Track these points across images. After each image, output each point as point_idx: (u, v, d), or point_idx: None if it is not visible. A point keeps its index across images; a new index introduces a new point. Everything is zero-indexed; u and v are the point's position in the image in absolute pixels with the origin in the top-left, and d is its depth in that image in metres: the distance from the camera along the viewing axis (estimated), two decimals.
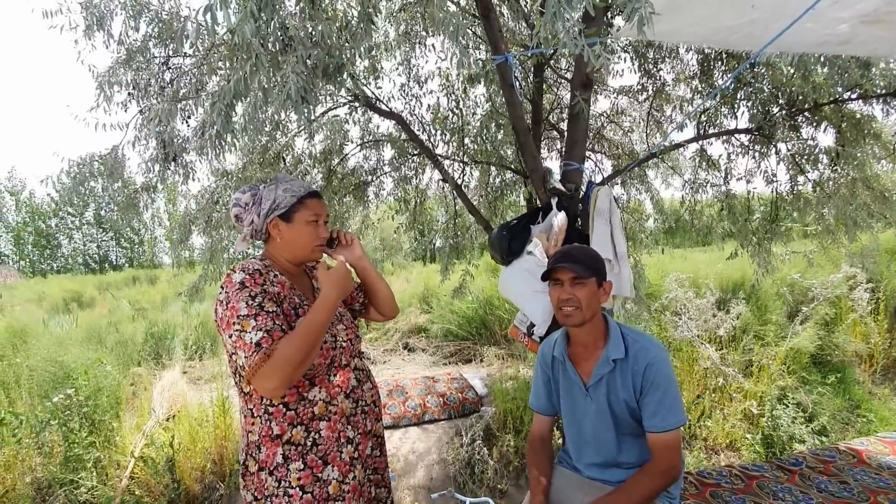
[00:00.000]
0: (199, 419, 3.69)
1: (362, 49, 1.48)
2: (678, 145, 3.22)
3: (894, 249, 6.47)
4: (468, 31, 1.34)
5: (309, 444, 1.28)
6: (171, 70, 2.92)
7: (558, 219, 2.16)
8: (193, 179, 3.04)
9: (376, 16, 1.51)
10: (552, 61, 3.38)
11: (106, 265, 32.10)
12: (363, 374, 1.45)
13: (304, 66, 1.41)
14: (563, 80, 4.17)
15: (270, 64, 1.45)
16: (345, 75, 1.50)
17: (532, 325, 2.77)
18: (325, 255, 1.51)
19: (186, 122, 2.65)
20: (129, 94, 2.75)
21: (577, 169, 2.40)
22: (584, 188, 2.38)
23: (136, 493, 3.11)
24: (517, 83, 2.20)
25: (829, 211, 3.27)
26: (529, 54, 2.57)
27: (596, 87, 4.17)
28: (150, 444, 3.38)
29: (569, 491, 1.45)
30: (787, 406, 4.82)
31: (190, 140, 2.77)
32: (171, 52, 2.92)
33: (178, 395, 4.26)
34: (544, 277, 1.45)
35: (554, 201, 2.26)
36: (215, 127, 1.46)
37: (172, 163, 2.85)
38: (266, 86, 1.49)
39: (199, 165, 3.09)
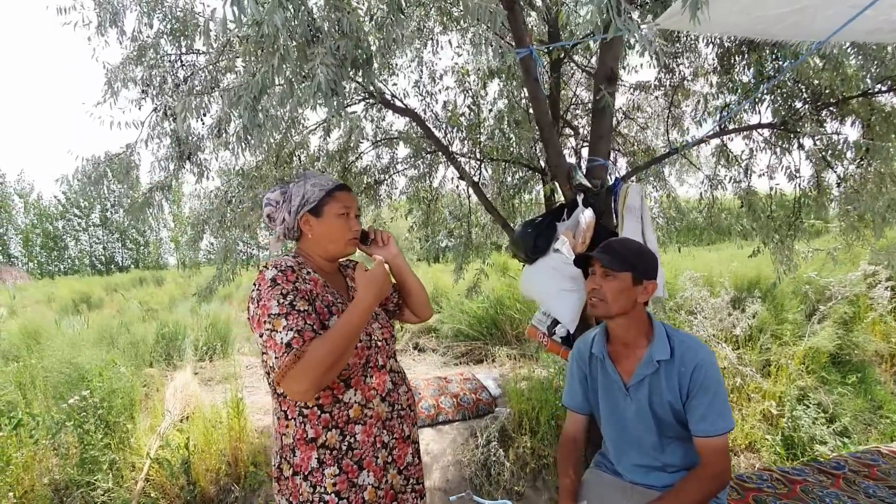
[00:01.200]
0: (212, 420, 3.66)
1: (392, 40, 1.42)
2: (700, 141, 3.15)
3: None
4: (498, 19, 1.29)
5: (344, 448, 1.24)
6: (185, 67, 2.88)
7: (585, 216, 2.10)
8: (207, 178, 3.01)
9: (406, 6, 1.46)
10: (568, 57, 3.31)
11: (112, 266, 32.27)
12: (399, 376, 1.41)
13: (332, 57, 1.36)
14: (575, 77, 4.11)
15: (298, 56, 1.40)
16: (374, 67, 1.45)
17: (553, 325, 2.71)
18: (361, 252, 1.47)
19: (201, 119, 2.61)
20: (142, 90, 2.72)
21: (602, 165, 2.34)
22: (611, 183, 2.32)
23: (152, 495, 3.08)
24: (541, 78, 2.14)
25: (855, 207, 3.19)
26: (551, 48, 2.51)
27: None
28: (164, 445, 3.35)
29: (610, 496, 1.40)
30: (808, 406, 4.73)
31: (205, 138, 2.74)
32: (184, 49, 2.89)
33: (190, 397, 4.23)
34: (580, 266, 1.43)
35: (580, 198, 2.20)
36: (242, 122, 1.41)
37: (187, 161, 2.82)
38: (293, 79, 1.44)
39: (212, 164, 3.07)
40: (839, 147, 3.13)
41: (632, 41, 1.14)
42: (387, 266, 1.41)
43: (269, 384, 1.28)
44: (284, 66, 1.39)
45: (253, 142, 1.49)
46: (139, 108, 2.72)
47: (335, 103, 1.36)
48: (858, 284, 6.10)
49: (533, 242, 2.17)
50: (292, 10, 1.37)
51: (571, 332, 2.17)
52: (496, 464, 3.88)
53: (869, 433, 4.82)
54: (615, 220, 2.43)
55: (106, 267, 32.25)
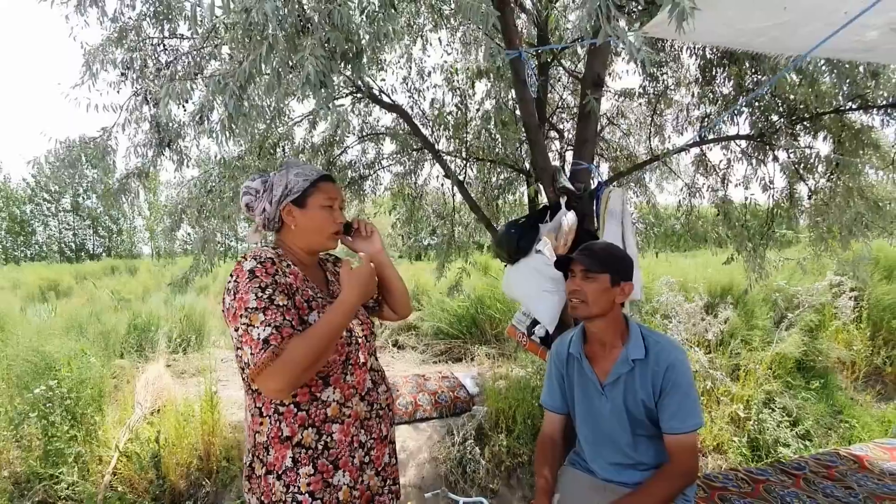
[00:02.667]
0: (185, 414, 3.59)
1: (383, 34, 1.42)
2: (680, 149, 3.23)
3: (877, 259, 6.62)
4: (490, 19, 1.30)
5: (320, 447, 1.21)
6: (167, 51, 2.82)
7: (568, 218, 2.13)
8: (187, 166, 2.95)
9: (398, 1, 1.46)
10: (561, 59, 3.35)
11: (82, 254, 31.25)
12: (378, 375, 1.39)
13: (322, 49, 1.35)
14: (561, 81, 4.16)
15: (287, 46, 1.39)
16: (364, 60, 1.44)
17: (533, 326, 2.74)
18: (344, 247, 1.45)
19: (183, 106, 2.56)
20: (121, 73, 2.64)
21: (585, 169, 2.38)
22: (592, 188, 2.36)
23: (119, 489, 3.01)
24: (530, 80, 2.16)
25: (824, 219, 3.31)
26: (539, 51, 2.54)
27: None
28: (134, 438, 3.28)
29: (584, 493, 1.43)
30: (774, 410, 4.90)
31: (186, 125, 2.69)
32: (167, 34, 2.82)
33: (162, 389, 4.14)
34: (561, 269, 1.46)
35: (563, 200, 2.23)
36: (227, 109, 1.39)
37: (167, 148, 2.75)
38: (280, 69, 1.43)
39: (193, 152, 3.01)
40: (811, 161, 3.25)
41: (619, 48, 1.16)
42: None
43: (244, 380, 1.24)
44: (273, 55, 1.37)
45: (237, 130, 1.46)
46: (118, 92, 2.65)
47: (324, 96, 1.34)
48: (824, 294, 6.34)
49: (516, 243, 2.20)
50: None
51: (551, 332, 2.20)
52: (472, 462, 3.91)
53: (829, 437, 5.01)
54: (596, 224, 2.47)
55: (76, 254, 31.21)
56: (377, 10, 1.46)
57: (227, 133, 1.46)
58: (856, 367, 5.83)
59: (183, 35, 2.84)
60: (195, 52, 2.57)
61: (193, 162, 3.07)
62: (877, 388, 5.73)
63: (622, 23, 1.08)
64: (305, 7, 1.44)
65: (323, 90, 1.33)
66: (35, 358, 3.28)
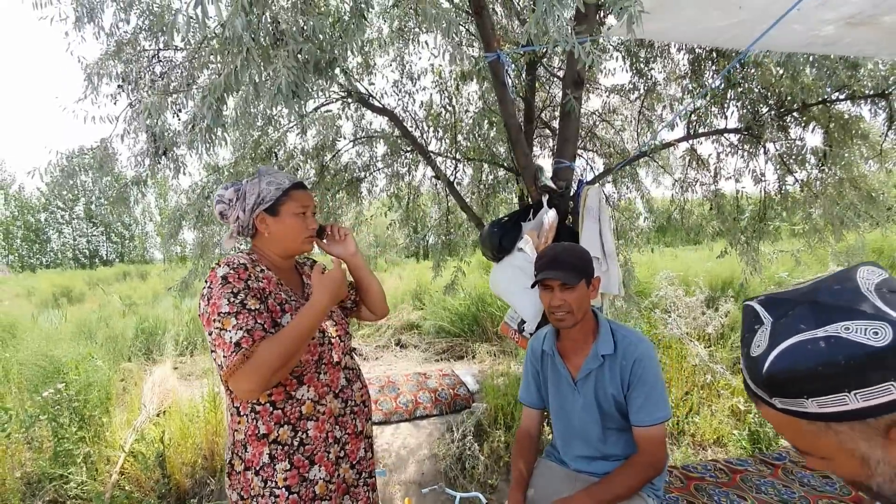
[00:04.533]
0: (189, 415, 3.69)
1: (354, 45, 1.47)
2: (668, 144, 3.25)
3: (881, 249, 6.56)
4: (461, 27, 1.35)
5: (296, 443, 1.26)
6: (161, 63, 2.90)
7: (549, 216, 2.17)
8: (184, 174, 3.03)
9: (368, 11, 1.51)
10: (544, 59, 3.39)
11: (96, 260, 31.78)
12: (353, 373, 1.44)
13: (294, 60, 1.41)
14: (555, 78, 4.19)
15: (261, 58, 1.45)
16: (336, 70, 1.50)
17: (523, 322, 2.79)
18: (321, 253, 1.50)
19: (177, 115, 2.64)
20: (118, 86, 2.73)
21: (567, 167, 2.42)
22: (574, 186, 2.39)
23: (126, 488, 3.10)
24: (509, 81, 2.20)
25: (816, 210, 3.31)
26: (522, 52, 2.58)
27: (588, 85, 4.19)
28: (140, 439, 3.37)
29: (556, 483, 1.47)
30: None
31: (181, 134, 2.77)
32: (161, 45, 2.90)
33: (168, 391, 4.25)
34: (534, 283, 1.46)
35: (545, 199, 2.28)
36: (205, 121, 1.45)
37: (163, 157, 2.84)
38: (257, 80, 1.49)
39: (189, 160, 3.09)
40: (802, 152, 3.25)
41: (579, 54, 1.21)
42: (344, 265, 1.44)
43: (221, 381, 1.30)
44: (248, 67, 1.43)
45: (217, 139, 1.53)
46: (114, 104, 2.73)
47: (296, 105, 1.40)
48: None
49: (498, 242, 2.24)
50: (256, 14, 1.42)
51: (532, 328, 2.25)
52: (470, 457, 3.96)
53: None
54: (571, 220, 2.51)
55: (89, 260, 31.76)
56: (348, 21, 1.51)
57: (207, 141, 1.53)
58: None
59: (177, 46, 2.93)
60: (188, 63, 2.65)
61: (192, 169, 3.15)
62: None
63: (569, 28, 1.13)
64: (280, 21, 1.50)
65: (295, 99, 1.39)
66: (44, 362, 3.39)
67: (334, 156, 3.46)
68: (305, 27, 1.48)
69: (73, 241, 32.71)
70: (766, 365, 0.56)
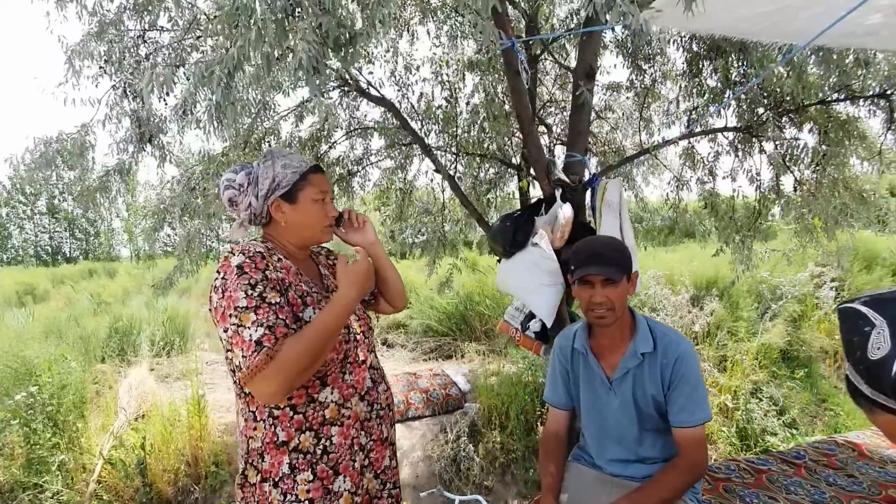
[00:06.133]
0: (171, 419, 3.49)
1: (378, 20, 1.37)
2: (670, 141, 3.23)
3: (872, 250, 6.80)
4: (491, 5, 1.26)
5: (319, 451, 1.15)
6: (147, 44, 2.72)
7: (564, 211, 2.10)
8: (170, 162, 2.86)
9: None
10: (547, 53, 3.33)
11: (59, 257, 30.41)
12: (378, 373, 1.33)
13: (315, 34, 1.29)
14: (549, 75, 4.14)
15: (277, 31, 1.33)
16: (357, 47, 1.39)
17: (528, 320, 2.72)
18: (339, 241, 1.39)
19: (164, 99, 2.46)
20: (100, 67, 2.54)
21: (580, 161, 2.36)
22: (586, 180, 2.34)
23: (105, 497, 2.91)
24: (523, 72, 2.12)
25: (810, 210, 3.34)
26: (536, 40, 2.51)
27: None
28: (118, 445, 3.17)
29: (590, 489, 1.40)
30: (761, 400, 4.97)
31: (168, 120, 2.60)
32: (147, 26, 2.72)
33: (146, 394, 4.02)
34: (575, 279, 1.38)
35: (558, 193, 2.21)
36: (215, 98, 1.32)
37: (148, 143, 2.66)
38: (270, 56, 1.37)
39: (175, 148, 2.91)
40: (798, 152, 3.28)
41: (617, 34, 1.13)
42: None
43: (235, 383, 1.17)
44: (262, 40, 1.31)
45: (227, 121, 1.39)
46: (96, 86, 2.54)
47: (318, 82, 1.29)
48: (806, 284, 6.47)
49: (512, 236, 2.16)
50: None
51: (549, 325, 2.18)
52: (466, 459, 3.88)
53: (815, 425, 5.11)
54: (587, 216, 2.45)
55: (52, 257, 30.35)
56: None
57: (215, 123, 1.39)
58: (838, 356, 5.95)
59: (163, 27, 2.75)
60: (177, 44, 2.48)
61: (175, 159, 2.97)
62: None
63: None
64: None
65: (317, 77, 1.28)
66: (15, 363, 3.15)
67: (331, 146, 3.32)
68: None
69: (34, 237, 31.20)
70: None
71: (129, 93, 2.48)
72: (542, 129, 4.32)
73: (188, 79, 2.15)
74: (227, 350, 1.09)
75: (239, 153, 2.89)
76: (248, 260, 1.12)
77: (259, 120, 2.87)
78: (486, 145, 3.39)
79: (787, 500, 1.54)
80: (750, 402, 4.96)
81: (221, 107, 1.34)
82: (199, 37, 2.37)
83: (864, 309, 0.58)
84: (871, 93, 2.71)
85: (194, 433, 3.41)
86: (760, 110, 3.33)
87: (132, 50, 2.59)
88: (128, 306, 7.30)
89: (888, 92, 2.64)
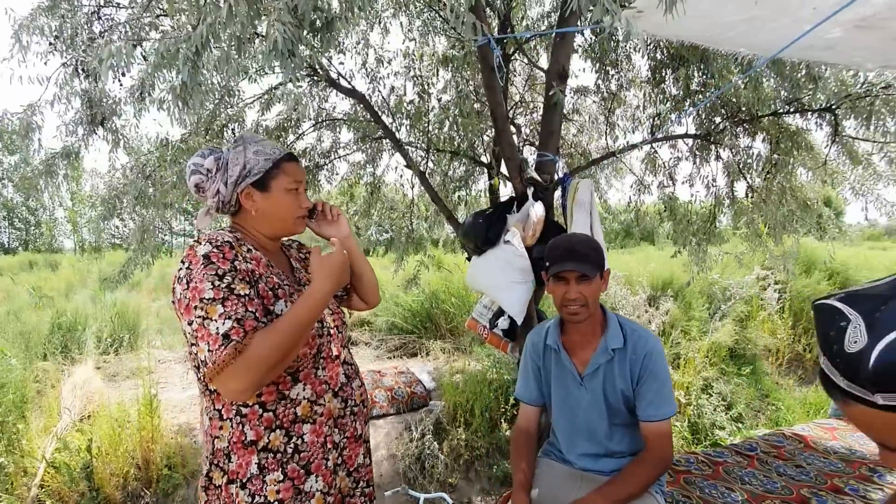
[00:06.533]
0: (119, 420, 3.30)
1: (356, 6, 1.33)
2: (633, 146, 3.33)
3: (813, 255, 7.27)
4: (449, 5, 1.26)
5: (290, 450, 1.10)
6: (102, 21, 2.55)
7: (536, 209, 2.13)
8: (124, 147, 2.71)
9: None
10: (519, 53, 3.36)
11: None
12: (352, 369, 1.30)
13: (290, 15, 1.24)
14: (520, 76, 4.18)
15: (249, 10, 1.27)
16: (335, 32, 1.34)
17: (496, 318, 2.74)
18: (310, 232, 1.34)
19: (119, 80, 2.32)
20: (50, 44, 2.36)
21: (551, 160, 2.39)
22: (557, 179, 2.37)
23: (48, 502, 2.71)
24: (497, 68, 2.13)
25: (760, 216, 3.53)
26: (506, 40, 2.52)
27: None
28: (62, 447, 2.97)
29: (561, 483, 1.42)
30: (710, 395, 5.22)
31: (122, 101, 2.45)
32: (102, 1, 2.56)
33: (93, 393, 3.79)
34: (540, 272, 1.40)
35: (530, 191, 2.23)
36: (181, 78, 1.24)
37: (100, 126, 2.50)
38: (242, 36, 1.31)
39: (130, 133, 2.76)
40: (750, 160, 3.45)
41: (625, 27, 1.14)
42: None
43: (199, 379, 1.11)
44: (234, 19, 1.25)
45: (192, 102, 1.32)
46: (45, 64, 2.36)
47: (292, 67, 1.24)
48: (753, 286, 6.86)
49: (484, 233, 2.17)
50: None
51: (519, 322, 2.20)
52: (430, 457, 3.87)
53: (758, 419, 5.42)
54: (556, 214, 2.49)
55: None
56: None
57: (179, 105, 1.31)
58: (780, 354, 6.33)
59: (120, 3, 2.59)
60: (134, 21, 2.33)
61: (128, 145, 2.80)
62: (798, 373, 6.24)
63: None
64: None
65: (291, 60, 1.23)
66: None
67: (298, 137, 3.22)
68: None
69: None
70: (872, 359, 0.54)
71: (80, 71, 2.32)
72: (512, 128, 4.36)
73: (146, 59, 2.03)
74: (192, 344, 1.03)
75: (200, 140, 2.76)
76: (215, 249, 1.06)
77: (223, 106, 2.75)
78: (457, 143, 3.39)
79: (743, 490, 1.62)
80: (701, 397, 5.20)
81: (188, 87, 1.26)
82: (158, 15, 2.24)
83: (839, 305, 0.60)
84: (818, 106, 2.88)
85: (145, 434, 3.24)
86: (718, 119, 3.49)
87: (85, 27, 2.42)
88: (72, 301, 6.86)
89: (833, 107, 2.82)
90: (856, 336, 0.56)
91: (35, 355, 4.24)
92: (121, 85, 2.41)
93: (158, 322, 6.75)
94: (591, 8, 0.97)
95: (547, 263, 1.37)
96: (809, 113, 3.01)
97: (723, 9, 1.37)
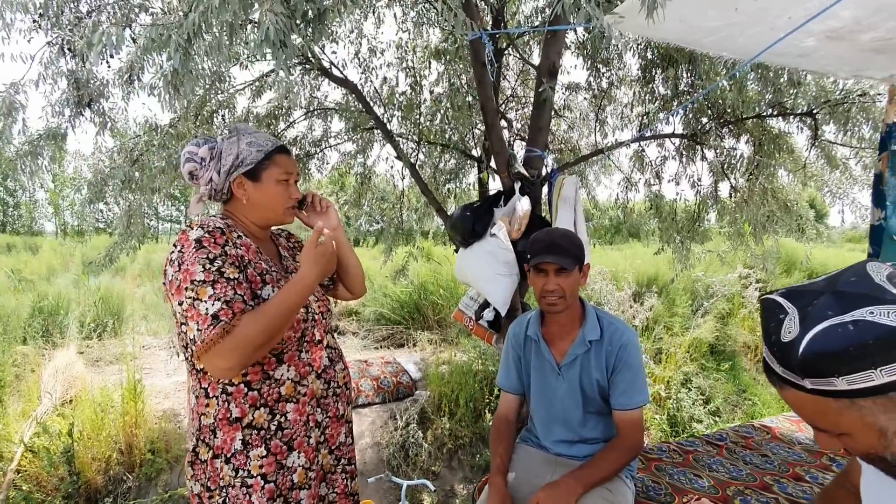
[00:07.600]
0: (102, 405, 3.30)
1: None
2: (622, 144, 3.38)
3: (792, 255, 7.44)
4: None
5: (273, 427, 1.15)
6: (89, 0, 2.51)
7: (522, 203, 2.16)
8: (111, 129, 2.68)
9: None
10: (512, 48, 3.38)
11: None
12: (335, 353, 1.34)
13: (283, 5, 1.26)
14: (511, 70, 4.21)
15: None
16: (326, 23, 1.36)
17: (481, 310, 2.78)
18: (300, 222, 1.37)
19: (107, 61, 2.30)
20: (34, 21, 2.32)
21: (539, 156, 2.43)
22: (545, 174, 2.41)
23: (24, 487, 2.71)
24: (488, 63, 2.15)
25: (742, 215, 3.61)
26: (497, 35, 2.54)
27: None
28: (41, 432, 2.96)
29: (537, 468, 1.47)
30: (690, 390, 5.36)
31: (110, 83, 2.43)
32: None
33: (75, 378, 3.77)
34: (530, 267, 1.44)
35: (517, 186, 2.27)
36: (171, 64, 1.25)
37: (87, 108, 2.48)
38: (234, 24, 1.32)
39: (119, 115, 2.73)
40: (734, 161, 3.53)
41: (604, 26, 1.17)
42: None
43: (187, 359, 1.15)
44: (226, 7, 1.26)
45: (183, 89, 1.33)
46: (28, 42, 2.33)
47: (284, 57, 1.25)
48: (734, 284, 7.02)
49: (471, 226, 2.20)
50: None
51: (503, 314, 2.24)
52: (414, 445, 3.93)
53: (735, 413, 5.57)
54: (543, 209, 2.53)
55: None
56: None
57: (171, 90, 1.32)
58: (758, 351, 6.49)
59: None
60: (123, 2, 2.31)
61: (116, 129, 2.78)
62: None
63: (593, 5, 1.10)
64: None
65: (283, 51, 1.24)
66: None
67: (289, 125, 3.21)
68: None
69: None
70: (802, 348, 0.60)
71: (66, 51, 2.29)
72: (502, 123, 4.39)
73: (135, 41, 2.02)
74: (181, 324, 1.08)
75: (189, 125, 2.74)
76: (206, 234, 1.11)
77: (213, 92, 2.74)
78: (448, 135, 3.41)
79: (710, 477, 1.69)
80: (680, 391, 5.33)
81: (179, 74, 1.27)
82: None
83: (780, 299, 0.66)
84: (800, 110, 2.95)
85: (129, 419, 3.24)
86: (704, 120, 3.55)
87: (72, 5, 2.39)
88: (53, 284, 6.76)
89: (814, 111, 2.89)
90: (790, 327, 0.62)
91: (14, 339, 4.20)
92: (108, 66, 2.38)
93: (143, 308, 6.70)
94: (575, 12, 1.01)
95: (529, 256, 1.42)
96: (791, 116, 3.08)
97: (705, 13, 1.41)
